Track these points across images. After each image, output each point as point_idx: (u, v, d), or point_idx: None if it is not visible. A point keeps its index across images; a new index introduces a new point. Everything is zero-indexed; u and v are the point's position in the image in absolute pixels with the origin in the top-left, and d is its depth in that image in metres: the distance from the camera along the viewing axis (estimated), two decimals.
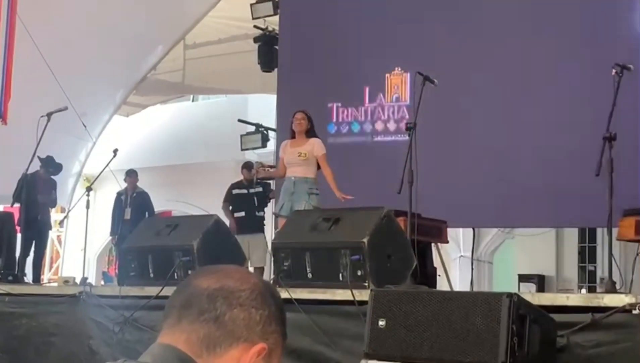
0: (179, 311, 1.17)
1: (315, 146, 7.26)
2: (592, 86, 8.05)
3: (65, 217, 12.38)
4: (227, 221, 7.89)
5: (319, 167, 7.25)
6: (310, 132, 7.35)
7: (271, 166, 8.73)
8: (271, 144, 11.04)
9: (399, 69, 9.42)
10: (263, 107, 12.74)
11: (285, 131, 10.05)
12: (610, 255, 4.97)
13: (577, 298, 4.40)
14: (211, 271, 1.21)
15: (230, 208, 9.69)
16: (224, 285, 1.17)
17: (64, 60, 10.72)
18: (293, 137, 7.32)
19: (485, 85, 8.93)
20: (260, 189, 9.75)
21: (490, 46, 8.97)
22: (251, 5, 11.13)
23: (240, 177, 9.98)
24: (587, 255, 11.65)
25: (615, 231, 5.53)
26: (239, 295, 1.17)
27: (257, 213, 9.59)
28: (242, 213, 9.58)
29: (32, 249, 9.55)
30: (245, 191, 9.71)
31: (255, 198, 9.66)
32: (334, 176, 7.20)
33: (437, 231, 7.33)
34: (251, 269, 9.27)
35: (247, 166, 9.90)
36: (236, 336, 1.14)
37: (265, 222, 9.73)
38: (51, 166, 9.74)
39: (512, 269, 11.94)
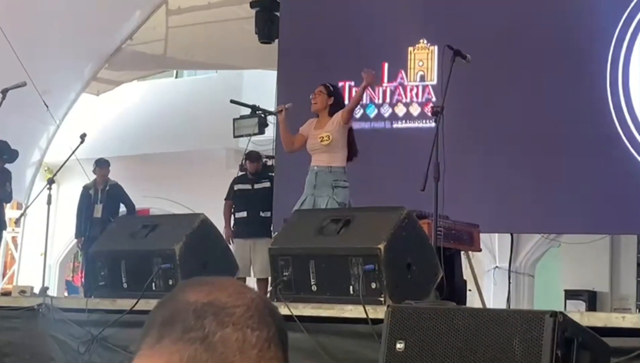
0: (159, 328, 1.18)
1: (336, 119, 7.16)
2: None
3: (22, 215, 12.41)
4: (220, 227, 7.85)
5: (349, 157, 7.13)
6: (333, 108, 7.23)
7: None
8: (270, 131, 11.03)
9: (425, 42, 9.41)
10: (260, 86, 12.73)
11: (288, 115, 10.07)
12: None
13: (635, 318, 4.40)
14: (200, 283, 1.21)
15: (233, 207, 9.63)
16: (215, 299, 1.18)
17: (22, 27, 10.73)
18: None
19: (529, 63, 8.91)
20: (268, 184, 9.69)
21: (538, 12, 8.95)
22: None
23: (235, 169, 9.96)
24: None
25: None
26: (232, 312, 1.17)
27: (262, 213, 9.52)
28: (244, 213, 9.53)
29: None
30: (249, 186, 9.67)
31: (261, 195, 9.60)
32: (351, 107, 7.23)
33: (467, 237, 7.33)
34: (253, 280, 9.27)
35: (252, 156, 9.84)
36: (228, 360, 1.15)
37: (272, 223, 9.68)
38: (5, 153, 9.76)
39: (558, 283, 11.92)
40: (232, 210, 9.65)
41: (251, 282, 9.21)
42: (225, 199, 9.75)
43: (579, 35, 8.70)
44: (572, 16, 8.77)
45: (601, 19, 8.61)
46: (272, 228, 9.51)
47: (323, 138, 7.12)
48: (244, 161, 9.91)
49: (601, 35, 8.57)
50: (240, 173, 9.96)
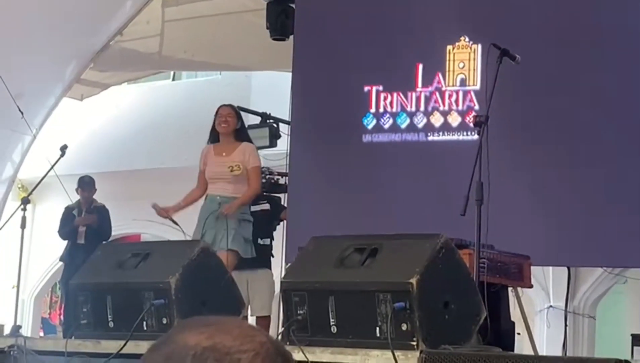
0: None
1: (249, 155, 7.88)
2: None
3: None
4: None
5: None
6: (239, 134, 7.99)
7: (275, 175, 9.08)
8: (282, 143, 11.05)
9: (467, 39, 9.42)
10: (272, 91, 12.77)
11: (303, 123, 10.10)
12: None
13: None
14: (201, 324, 1.22)
15: None
16: (218, 342, 1.19)
17: None
18: (215, 141, 7.91)
19: (591, 65, 8.90)
20: (267, 206, 9.77)
21: (602, 4, 8.95)
22: None
23: None
24: None
25: None
26: (238, 358, 1.18)
27: (260, 240, 9.60)
28: None
29: None
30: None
31: (259, 219, 9.66)
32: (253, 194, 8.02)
33: (516, 271, 7.31)
34: (252, 319, 9.30)
35: None
36: None
37: (273, 253, 9.75)
38: None
39: (623, 326, 11.85)
40: None
41: (250, 321, 9.22)
42: None
43: None
44: None
45: None
46: (273, 258, 9.67)
47: (233, 167, 7.78)
48: None
49: None
50: None
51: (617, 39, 8.79)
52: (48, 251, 13.06)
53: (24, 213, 8.77)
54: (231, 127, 7.92)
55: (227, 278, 6.43)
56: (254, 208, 9.70)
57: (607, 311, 12.73)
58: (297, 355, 4.88)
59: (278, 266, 9.57)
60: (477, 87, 9.21)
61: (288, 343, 5.23)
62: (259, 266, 9.48)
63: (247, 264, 9.40)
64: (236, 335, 1.20)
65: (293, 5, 10.81)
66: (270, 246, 9.71)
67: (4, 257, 13.00)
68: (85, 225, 10.34)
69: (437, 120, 9.49)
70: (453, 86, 9.44)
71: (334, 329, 5.31)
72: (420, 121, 9.62)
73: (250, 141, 8.26)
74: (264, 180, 10.52)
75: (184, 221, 13.34)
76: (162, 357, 1.20)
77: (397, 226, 7.56)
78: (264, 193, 10.13)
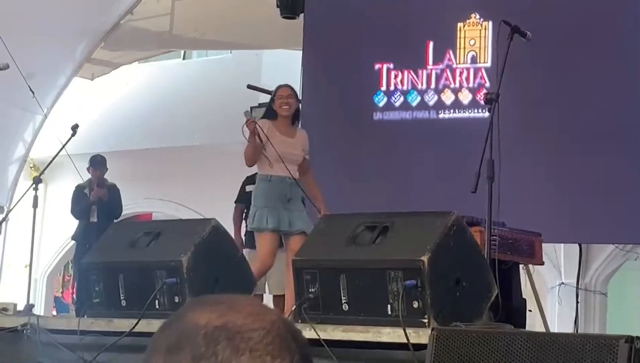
0: (164, 355, 1.19)
1: (307, 141, 7.63)
2: None
3: (3, 220, 12.51)
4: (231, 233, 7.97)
5: None
6: (295, 118, 7.68)
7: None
8: None
9: (477, 16, 9.39)
10: (282, 69, 12.74)
11: (314, 102, 10.09)
12: None
13: None
14: (212, 302, 1.22)
15: (245, 212, 9.70)
16: (229, 321, 1.19)
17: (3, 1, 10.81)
18: (272, 118, 7.54)
19: (602, 42, 8.87)
20: None
21: None
22: None
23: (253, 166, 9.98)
24: None
25: None
26: (249, 337, 1.18)
27: None
28: None
29: None
30: None
31: None
32: None
33: (528, 248, 7.31)
34: (268, 297, 9.30)
35: None
36: None
37: None
38: None
39: (635, 303, 11.86)
40: (244, 215, 9.68)
41: (267, 300, 9.23)
42: (235, 203, 9.78)
43: None
44: None
45: None
46: None
47: (303, 149, 7.55)
48: None
49: None
50: (253, 172, 9.99)
51: (630, 11, 8.75)
52: (60, 230, 13.09)
53: (36, 193, 8.77)
54: (292, 109, 7.56)
55: (238, 256, 6.44)
56: None
57: (618, 288, 12.72)
58: (308, 333, 4.89)
59: None
60: (488, 64, 9.19)
61: (300, 321, 5.25)
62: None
63: None
64: (247, 313, 1.20)
65: None
66: None
67: (17, 236, 13.04)
68: (98, 201, 10.33)
69: (448, 98, 9.48)
70: (464, 63, 9.42)
71: (345, 307, 5.32)
72: (431, 99, 9.61)
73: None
74: None
75: (197, 202, 13.38)
76: (173, 336, 1.20)
77: (408, 203, 7.56)
78: None
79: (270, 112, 7.61)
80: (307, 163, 7.63)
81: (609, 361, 3.70)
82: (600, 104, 8.80)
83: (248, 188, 9.77)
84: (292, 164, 7.43)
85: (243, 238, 9.58)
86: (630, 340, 3.72)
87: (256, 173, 9.90)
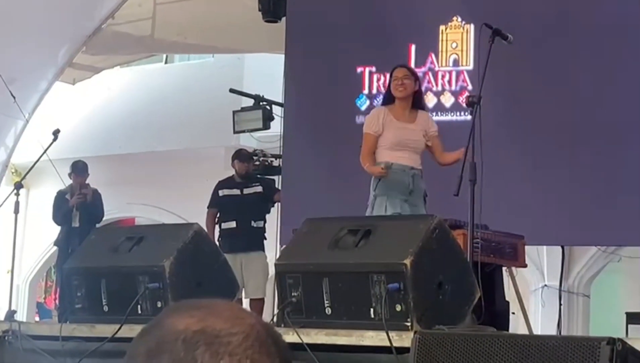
0: (144, 361, 1.19)
1: (431, 121, 7.14)
2: None
3: None
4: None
5: None
6: (417, 100, 7.10)
7: None
8: (276, 125, 11.04)
9: (459, 19, 9.41)
10: (265, 73, 12.76)
11: (297, 105, 10.10)
12: None
13: None
14: (191, 307, 1.22)
15: (218, 216, 9.70)
16: (208, 326, 1.19)
17: None
18: (388, 103, 7.07)
19: (584, 44, 8.90)
20: (259, 188, 9.75)
21: None
22: None
23: (231, 171, 9.99)
24: None
25: None
26: (228, 341, 1.18)
27: (253, 223, 9.60)
28: (233, 223, 9.59)
29: None
30: (237, 191, 9.72)
31: (252, 202, 9.66)
32: None
33: (510, 251, 7.33)
34: (245, 302, 9.31)
35: (241, 156, 9.90)
36: None
37: (266, 235, 9.75)
38: None
39: (618, 304, 11.89)
40: (217, 220, 9.69)
41: (245, 304, 9.24)
42: (208, 208, 9.76)
43: None
44: None
45: None
46: (266, 241, 9.68)
47: (425, 133, 6.99)
48: (232, 160, 9.93)
49: None
50: (226, 176, 9.99)
51: (611, 16, 8.79)
52: (42, 235, 13.05)
53: (18, 198, 8.76)
54: (408, 90, 6.94)
55: (221, 260, 6.43)
56: (247, 191, 9.72)
57: (601, 290, 12.76)
58: (291, 337, 4.89)
59: (272, 249, 9.58)
60: (470, 67, 9.21)
61: (283, 325, 5.24)
62: (252, 249, 9.50)
63: (242, 246, 9.43)
64: (226, 317, 1.20)
65: None
66: (263, 229, 9.71)
67: None
68: (80, 205, 10.27)
69: (430, 100, 9.48)
70: (446, 66, 9.44)
71: (328, 311, 5.32)
72: None
73: (425, 108, 7.36)
74: (257, 163, 10.53)
75: (179, 207, 13.36)
76: (153, 341, 1.20)
77: None
78: (257, 176, 10.13)
79: (388, 96, 7.15)
80: (436, 141, 7.08)
81: (592, 362, 3.71)
82: (583, 106, 8.83)
83: (221, 193, 9.79)
84: (413, 153, 7.00)
85: (217, 242, 9.58)
86: (612, 342, 3.73)
87: (229, 177, 9.93)
